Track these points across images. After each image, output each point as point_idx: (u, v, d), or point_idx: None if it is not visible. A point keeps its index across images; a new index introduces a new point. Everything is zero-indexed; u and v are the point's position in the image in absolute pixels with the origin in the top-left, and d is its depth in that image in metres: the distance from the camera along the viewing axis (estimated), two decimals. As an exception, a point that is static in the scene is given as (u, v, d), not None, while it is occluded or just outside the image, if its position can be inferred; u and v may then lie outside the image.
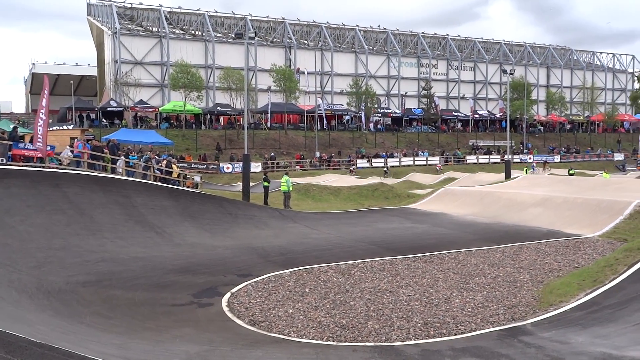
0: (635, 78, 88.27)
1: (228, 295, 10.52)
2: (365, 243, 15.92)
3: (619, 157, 69.37)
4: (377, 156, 58.42)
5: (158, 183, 21.47)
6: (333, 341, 8.17)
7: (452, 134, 71.69)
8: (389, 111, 73.07)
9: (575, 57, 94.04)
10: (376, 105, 70.47)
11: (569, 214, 19.34)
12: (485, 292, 10.70)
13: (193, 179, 29.13)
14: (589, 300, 9.97)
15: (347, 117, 68.84)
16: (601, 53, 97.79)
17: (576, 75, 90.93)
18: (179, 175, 26.08)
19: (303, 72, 65.62)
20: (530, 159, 63.53)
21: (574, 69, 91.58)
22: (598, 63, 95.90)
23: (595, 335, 8.11)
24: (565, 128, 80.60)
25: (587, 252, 14.43)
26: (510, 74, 48.58)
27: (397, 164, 57.36)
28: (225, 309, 9.73)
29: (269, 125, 61.45)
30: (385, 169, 52.74)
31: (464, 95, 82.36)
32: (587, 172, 49.98)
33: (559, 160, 65.75)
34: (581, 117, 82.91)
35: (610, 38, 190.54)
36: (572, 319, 9.03)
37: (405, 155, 60.25)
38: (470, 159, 62.33)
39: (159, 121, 57.94)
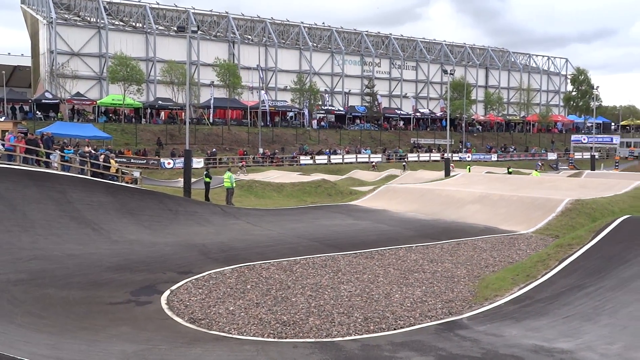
0: (568, 80, 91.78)
1: (167, 292, 10.33)
2: (308, 239, 15.95)
3: (552, 156, 72.04)
4: (320, 153, 58.69)
5: (95, 178, 20.85)
6: (274, 338, 8.16)
7: (394, 132, 72.78)
8: (333, 108, 73.54)
9: (512, 59, 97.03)
10: (320, 102, 70.78)
11: (504, 211, 19.94)
12: (424, 288, 10.92)
13: (132, 174, 28.49)
14: (523, 294, 10.31)
15: (290, 114, 68.83)
16: (537, 56, 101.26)
17: (513, 76, 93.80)
18: (117, 171, 25.44)
19: (257, 69, 65.16)
20: (468, 157, 65.24)
21: (511, 70, 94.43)
22: (534, 65, 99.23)
23: (527, 328, 8.39)
24: (502, 127, 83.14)
25: (521, 247, 14.92)
26: (450, 74, 49.64)
27: (340, 161, 57.78)
28: (165, 306, 9.56)
29: (211, 120, 60.69)
30: (404, 163, 55.60)
31: (406, 94, 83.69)
32: (523, 170, 51.61)
33: (496, 159, 67.72)
34: (517, 117, 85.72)
35: (544, 42, 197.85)
36: (506, 313, 9.31)
37: (348, 153, 60.78)
38: (412, 156, 63.43)
39: (96, 114, 56.35)
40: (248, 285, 10.91)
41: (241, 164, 49.80)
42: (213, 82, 62.08)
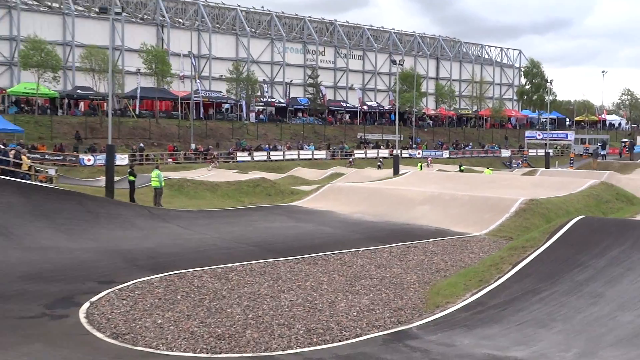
0: (522, 73, 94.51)
1: (87, 305, 10.07)
2: (245, 244, 15.88)
3: (505, 153, 74.07)
4: (259, 149, 58.53)
5: (4, 177, 20.13)
6: (207, 353, 8.08)
7: (339, 127, 73.29)
8: (273, 100, 73.46)
9: (464, 50, 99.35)
10: (258, 93, 70.52)
11: (456, 211, 20.44)
12: (371, 295, 11.04)
13: (47, 172, 27.63)
14: (475, 300, 10.59)
15: (226, 106, 68.36)
16: (489, 47, 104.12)
17: (465, 68, 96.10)
18: (29, 168, 24.62)
19: (188, 55, 64.30)
20: (419, 154, 66.36)
21: (463, 61, 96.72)
22: (486, 57, 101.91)
23: (480, 336, 8.64)
24: (454, 122, 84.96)
25: (474, 251, 15.33)
26: (399, 64, 50.49)
27: (281, 157, 57.81)
28: (84, 320, 9.32)
29: (137, 112, 59.62)
30: (379, 162, 55.82)
31: (352, 85, 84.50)
32: (475, 168, 52.90)
33: (447, 155, 69.14)
34: (469, 112, 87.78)
35: (496, 31, 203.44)
36: (458, 320, 9.55)
37: (289, 149, 60.85)
38: (359, 153, 64.02)
39: (6, 105, 54.48)
40: (178, 295, 10.77)
41: (213, 156, 50.49)
42: (139, 69, 60.92)
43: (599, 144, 72.30)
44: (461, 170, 46.36)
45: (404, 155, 62.32)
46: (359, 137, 71.06)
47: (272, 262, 13.58)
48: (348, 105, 78.78)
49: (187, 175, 37.68)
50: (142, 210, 21.20)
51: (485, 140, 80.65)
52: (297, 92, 77.71)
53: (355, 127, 74.08)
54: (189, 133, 56.74)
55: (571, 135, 76.50)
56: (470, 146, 75.11)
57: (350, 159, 55.83)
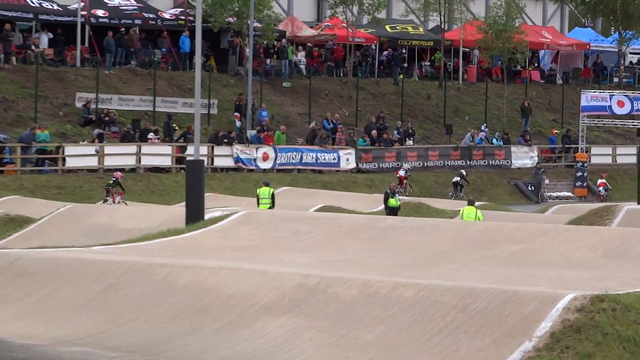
0: None
1: None
2: None
3: (524, 157, 72.37)
4: None
5: None
6: None
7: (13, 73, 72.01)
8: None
9: None
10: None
11: (376, 334, 17.48)
12: None
13: None
14: None
15: None
16: None
17: None
18: None
19: None
20: (265, 157, 65.53)
21: None
22: None
23: None
24: (369, 64, 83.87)
25: None
26: None
27: None
28: None
29: None
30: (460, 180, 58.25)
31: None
32: (434, 202, 52.34)
33: (352, 165, 68.55)
34: (419, 31, 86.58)
35: None
36: None
37: None
38: (72, 154, 64.23)
39: None
40: None
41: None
42: None
43: None
44: (390, 208, 43.62)
45: (218, 160, 59.89)
46: (79, 104, 68.77)
47: None
48: (46, 6, 76.90)
49: None
50: None
51: (467, 116, 79.40)
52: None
53: (65, 77, 71.87)
54: None
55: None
56: (398, 131, 74.74)
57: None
